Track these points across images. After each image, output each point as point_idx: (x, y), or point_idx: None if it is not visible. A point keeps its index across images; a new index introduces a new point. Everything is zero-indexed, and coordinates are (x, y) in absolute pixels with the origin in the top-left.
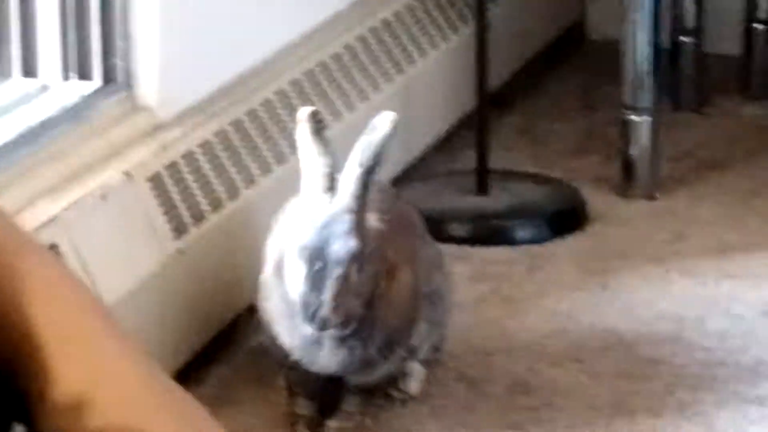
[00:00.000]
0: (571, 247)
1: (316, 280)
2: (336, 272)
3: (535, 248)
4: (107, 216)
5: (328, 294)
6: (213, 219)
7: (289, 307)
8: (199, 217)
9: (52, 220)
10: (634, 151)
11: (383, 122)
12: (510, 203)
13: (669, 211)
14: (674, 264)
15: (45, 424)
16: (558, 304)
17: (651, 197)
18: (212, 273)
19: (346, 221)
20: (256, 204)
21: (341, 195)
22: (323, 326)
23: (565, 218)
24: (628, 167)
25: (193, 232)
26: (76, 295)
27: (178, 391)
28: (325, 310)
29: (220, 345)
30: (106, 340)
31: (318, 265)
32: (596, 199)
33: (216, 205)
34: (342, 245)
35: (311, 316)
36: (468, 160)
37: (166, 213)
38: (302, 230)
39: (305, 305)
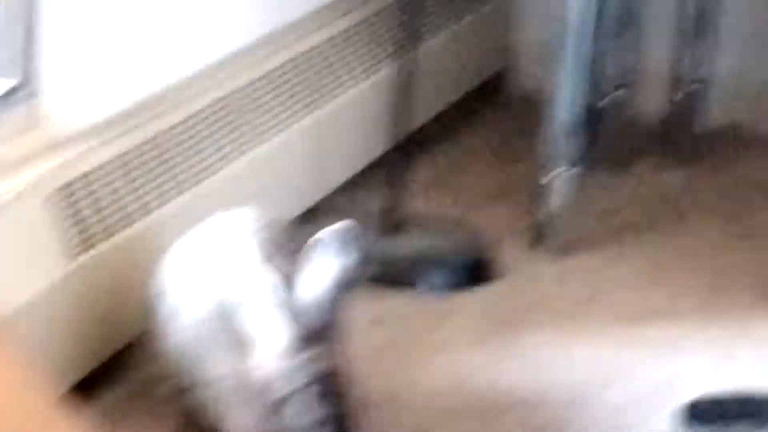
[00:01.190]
0: (477, 300)
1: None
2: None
3: (443, 298)
4: (0, 230)
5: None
6: (116, 238)
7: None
8: (100, 235)
9: None
10: (547, 208)
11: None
12: (420, 248)
13: (579, 270)
14: (580, 327)
15: None
16: (459, 359)
17: (563, 256)
18: (105, 294)
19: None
20: (150, 230)
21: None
22: None
23: (474, 270)
24: (540, 224)
25: (88, 253)
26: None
27: (62, 413)
28: None
29: (112, 368)
30: None
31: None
32: (509, 253)
33: (110, 230)
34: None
35: None
36: (377, 202)
37: (60, 231)
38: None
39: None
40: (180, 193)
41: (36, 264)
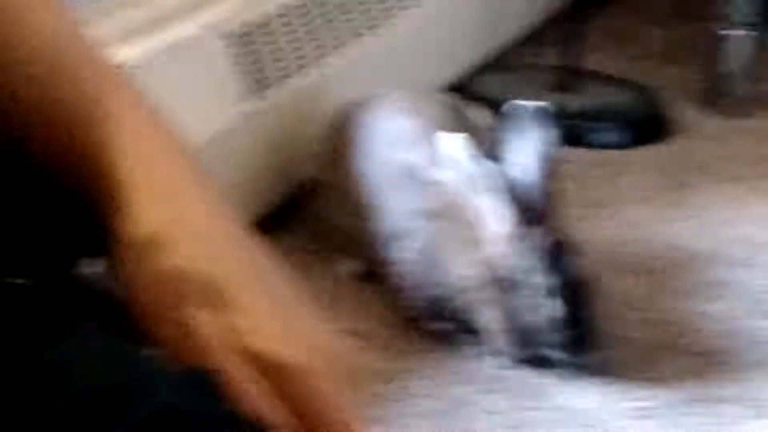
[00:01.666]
0: (651, 156)
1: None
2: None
3: (615, 153)
4: (182, 67)
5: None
6: (293, 82)
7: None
8: (280, 78)
9: (127, 65)
10: (725, 65)
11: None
12: (593, 105)
13: (756, 131)
14: (755, 185)
15: (123, 260)
16: (633, 214)
17: (739, 115)
18: (286, 136)
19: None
20: (340, 71)
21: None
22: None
23: (648, 126)
24: (717, 82)
25: (271, 92)
26: (164, 138)
27: (254, 243)
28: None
29: (284, 213)
30: (188, 185)
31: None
32: (683, 111)
33: (301, 66)
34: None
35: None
36: (556, 57)
37: (244, 71)
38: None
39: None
40: (356, 42)
41: (215, 104)
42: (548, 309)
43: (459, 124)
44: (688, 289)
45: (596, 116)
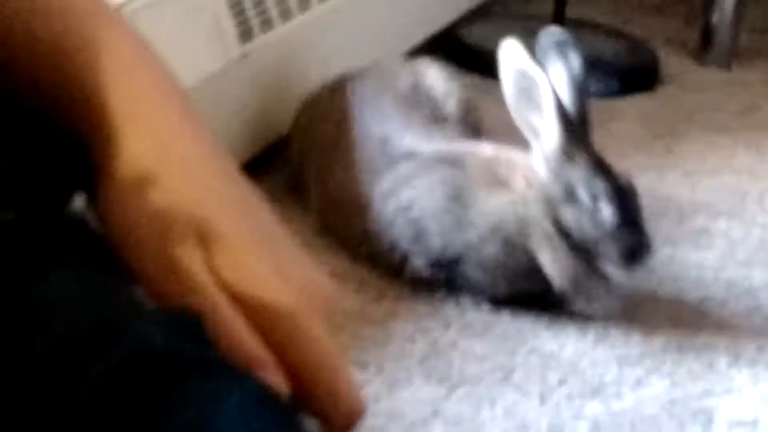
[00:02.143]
0: (639, 106)
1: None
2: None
3: (604, 103)
4: (173, 11)
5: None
6: (281, 29)
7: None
8: (267, 24)
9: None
10: (715, 17)
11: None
12: (582, 54)
13: (743, 82)
14: (742, 136)
15: (108, 196)
16: (620, 162)
17: (728, 66)
18: (273, 82)
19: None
20: (325, 19)
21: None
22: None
23: (638, 76)
24: (707, 33)
25: (260, 38)
26: (154, 74)
27: (243, 182)
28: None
29: (268, 159)
30: (178, 122)
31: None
32: (671, 62)
33: (286, 15)
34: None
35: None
36: (545, 5)
37: (234, 16)
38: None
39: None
40: None
41: (200, 52)
42: (608, 216)
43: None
44: (670, 237)
45: (586, 65)
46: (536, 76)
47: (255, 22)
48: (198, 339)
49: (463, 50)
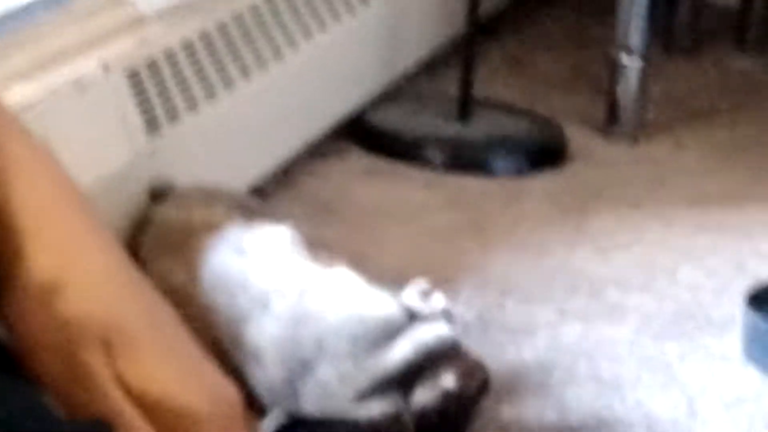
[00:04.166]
0: (548, 183)
1: None
2: None
3: (512, 181)
4: (81, 106)
5: None
6: (188, 120)
7: None
8: (174, 116)
9: (25, 106)
10: (621, 92)
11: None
12: (490, 133)
13: (651, 156)
14: (651, 210)
15: (16, 307)
16: (530, 240)
17: (635, 141)
18: (183, 174)
19: None
20: (233, 109)
21: None
22: None
23: (546, 153)
24: (613, 108)
25: (167, 130)
26: (57, 185)
27: (148, 288)
28: None
29: None
30: (81, 231)
31: None
32: (579, 138)
33: (192, 105)
34: None
35: None
36: (451, 86)
37: (140, 109)
38: None
39: None
40: (260, 69)
41: (115, 142)
42: None
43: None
44: (584, 312)
45: (494, 144)
46: None
47: (161, 114)
48: None
49: (371, 133)
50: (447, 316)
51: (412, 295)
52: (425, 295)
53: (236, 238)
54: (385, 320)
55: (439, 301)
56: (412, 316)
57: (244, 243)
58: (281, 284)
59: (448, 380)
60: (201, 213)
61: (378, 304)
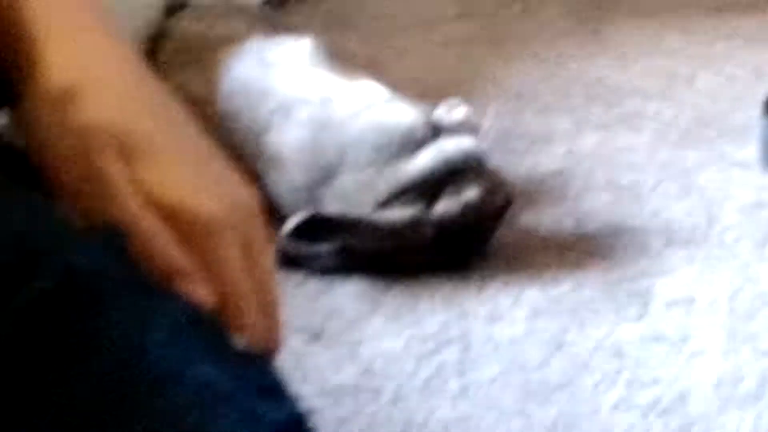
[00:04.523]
0: None
1: None
2: None
3: None
4: None
5: None
6: None
7: None
8: None
9: None
10: None
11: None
12: None
13: None
14: (670, 19)
15: (32, 111)
16: (548, 50)
17: None
18: None
19: None
20: None
21: None
22: None
23: None
24: None
25: None
26: None
27: (168, 97)
28: None
29: None
30: (100, 39)
31: None
32: None
33: None
34: None
35: None
36: None
37: None
38: None
39: None
40: None
41: None
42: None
43: None
44: (602, 121)
45: None
46: None
47: None
48: (123, 259)
49: None
50: (472, 129)
51: (440, 111)
52: (451, 108)
53: (259, 50)
54: (409, 130)
55: (461, 112)
56: (437, 131)
57: (267, 54)
58: (305, 92)
59: (470, 194)
60: (220, 26)
61: (402, 115)
